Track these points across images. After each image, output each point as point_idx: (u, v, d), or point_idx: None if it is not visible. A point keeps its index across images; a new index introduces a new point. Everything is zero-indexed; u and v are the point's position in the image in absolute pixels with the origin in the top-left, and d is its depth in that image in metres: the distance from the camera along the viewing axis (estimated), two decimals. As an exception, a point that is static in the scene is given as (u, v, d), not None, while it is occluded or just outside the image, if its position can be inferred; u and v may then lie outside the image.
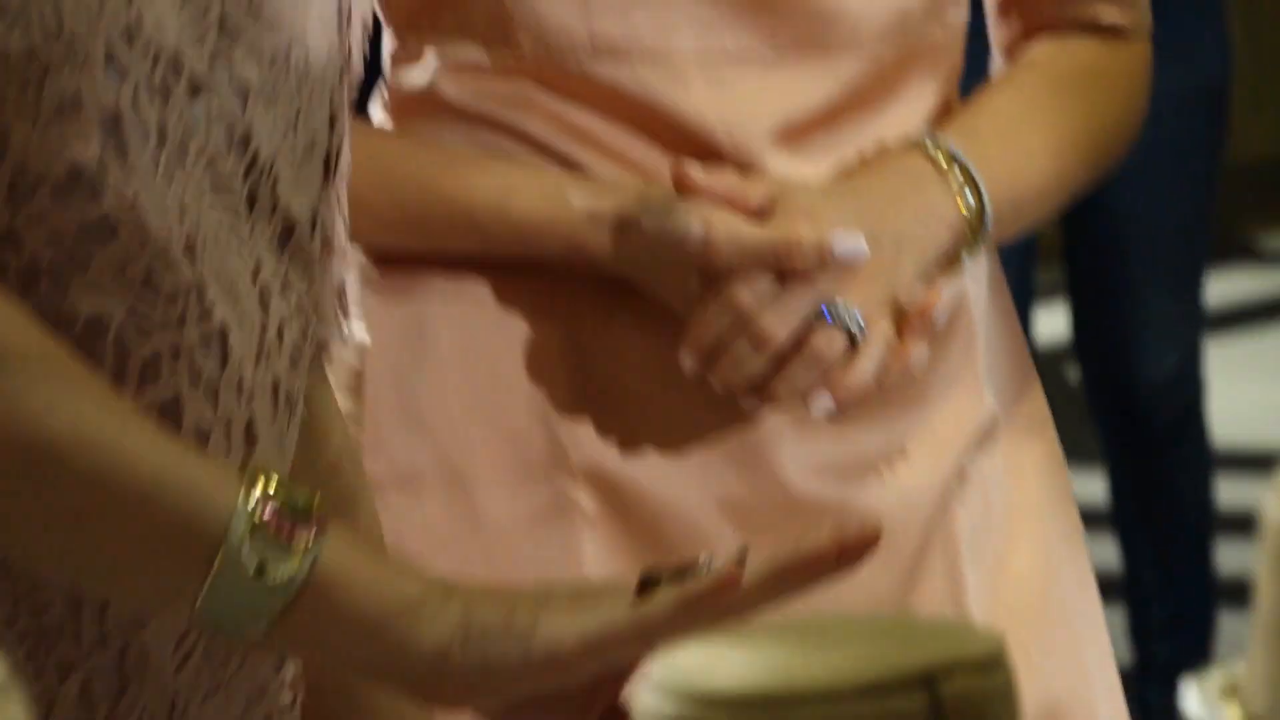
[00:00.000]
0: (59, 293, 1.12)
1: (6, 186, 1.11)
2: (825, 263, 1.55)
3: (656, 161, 1.61)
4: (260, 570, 1.09)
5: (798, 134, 1.63)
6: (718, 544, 1.53)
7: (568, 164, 1.63)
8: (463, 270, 1.65)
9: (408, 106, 1.69)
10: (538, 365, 1.65)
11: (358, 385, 1.58)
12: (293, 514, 1.11)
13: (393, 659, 1.14)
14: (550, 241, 1.61)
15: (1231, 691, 0.95)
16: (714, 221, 1.55)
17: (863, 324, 1.57)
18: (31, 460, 1.09)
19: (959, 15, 1.70)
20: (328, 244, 1.23)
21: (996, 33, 1.79)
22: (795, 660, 0.97)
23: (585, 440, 1.64)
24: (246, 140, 1.16)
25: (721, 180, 1.57)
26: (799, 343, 1.56)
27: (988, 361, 1.72)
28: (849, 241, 1.55)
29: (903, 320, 1.60)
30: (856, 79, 1.64)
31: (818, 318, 1.56)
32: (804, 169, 1.63)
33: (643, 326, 1.62)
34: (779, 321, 1.55)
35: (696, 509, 1.63)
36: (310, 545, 1.10)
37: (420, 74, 1.66)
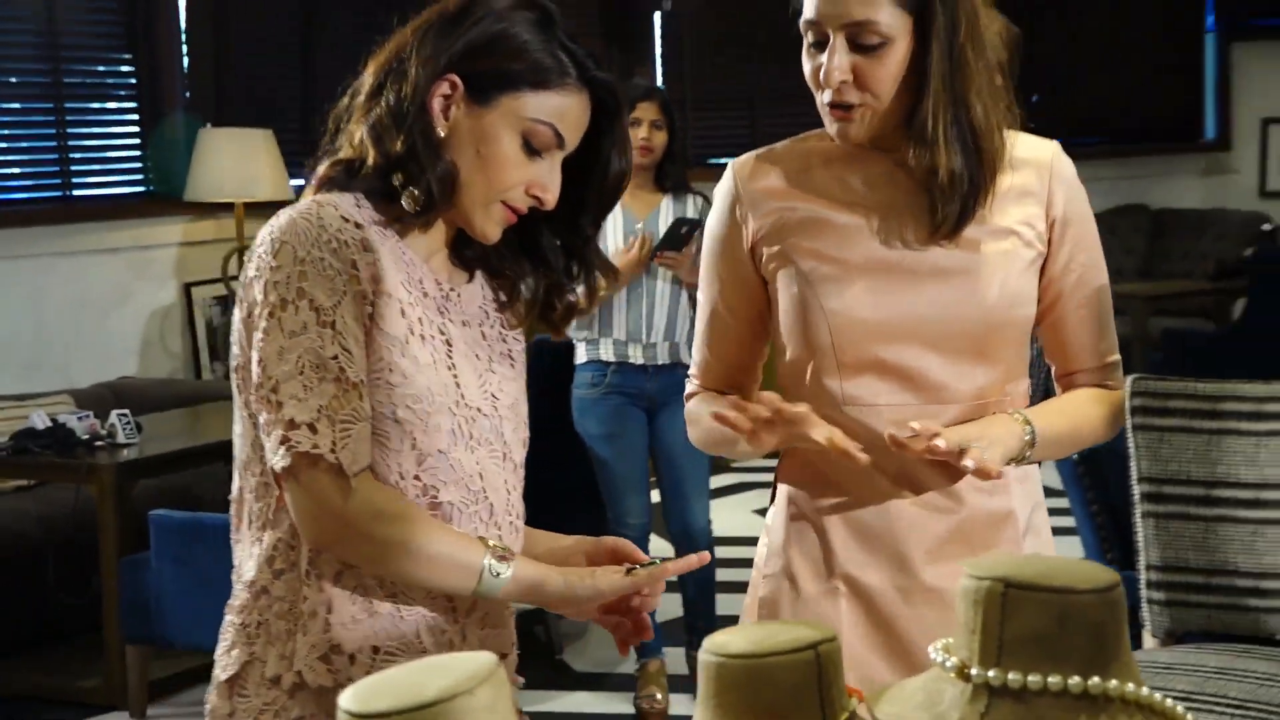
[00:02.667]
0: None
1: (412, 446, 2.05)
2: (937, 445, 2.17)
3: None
4: (496, 574, 2.02)
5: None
6: (891, 598, 2.35)
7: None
8: None
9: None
10: (816, 507, 2.39)
11: None
12: (504, 552, 2.04)
13: (541, 598, 2.06)
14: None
15: None
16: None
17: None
18: (400, 552, 2.00)
19: (1023, 384, 2.39)
20: None
21: (1058, 385, 2.49)
22: (767, 634, 1.21)
23: (843, 556, 2.36)
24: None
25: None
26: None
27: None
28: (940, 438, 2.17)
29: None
30: (959, 416, 2.30)
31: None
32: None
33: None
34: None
35: (888, 590, 2.35)
36: (511, 561, 2.03)
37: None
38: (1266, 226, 10.41)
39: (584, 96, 2.08)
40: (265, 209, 7.42)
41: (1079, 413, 2.41)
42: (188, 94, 7.40)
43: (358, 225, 2.01)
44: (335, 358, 1.96)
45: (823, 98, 2.27)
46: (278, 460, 1.97)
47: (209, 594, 5.12)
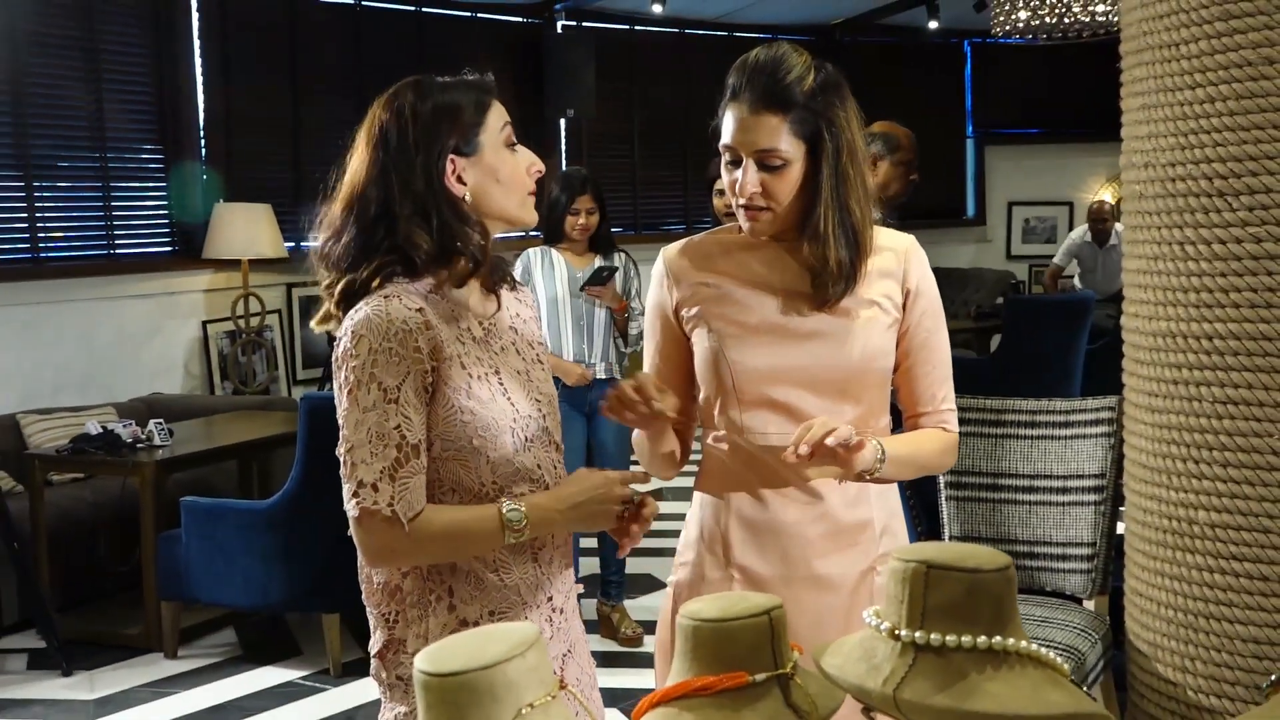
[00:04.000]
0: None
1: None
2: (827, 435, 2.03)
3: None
4: (515, 528, 1.93)
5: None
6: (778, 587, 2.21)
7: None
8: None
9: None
10: (720, 511, 2.27)
11: None
12: (515, 511, 1.94)
13: (557, 525, 1.97)
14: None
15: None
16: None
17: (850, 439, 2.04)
18: (438, 536, 1.92)
19: (883, 420, 2.26)
20: None
21: (905, 426, 2.31)
22: (730, 603, 1.15)
23: (738, 550, 2.25)
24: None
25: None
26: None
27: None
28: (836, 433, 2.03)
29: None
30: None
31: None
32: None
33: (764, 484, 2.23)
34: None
35: (773, 578, 2.23)
36: (526, 513, 1.94)
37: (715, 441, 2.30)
38: (1013, 281, 10.60)
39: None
40: (266, 264, 7.31)
41: (918, 444, 2.28)
42: (205, 176, 7.24)
43: (419, 310, 1.94)
44: (397, 427, 1.89)
45: (738, 202, 2.22)
46: (349, 510, 1.91)
47: (226, 561, 5.02)
